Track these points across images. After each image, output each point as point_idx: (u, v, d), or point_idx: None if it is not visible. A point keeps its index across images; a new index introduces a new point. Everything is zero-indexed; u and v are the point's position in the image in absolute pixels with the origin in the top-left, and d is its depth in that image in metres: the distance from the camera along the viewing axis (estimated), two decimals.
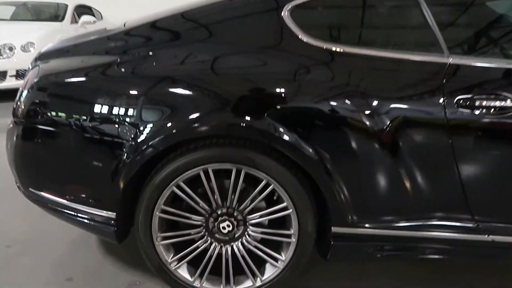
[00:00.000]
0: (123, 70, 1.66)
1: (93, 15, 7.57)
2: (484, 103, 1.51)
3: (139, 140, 1.56)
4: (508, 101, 1.50)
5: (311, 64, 1.60)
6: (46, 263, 2.05)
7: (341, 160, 1.57)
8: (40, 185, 1.78)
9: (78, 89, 1.69)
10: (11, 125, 1.80)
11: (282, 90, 1.56)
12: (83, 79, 1.68)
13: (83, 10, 7.44)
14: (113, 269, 2.02)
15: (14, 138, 1.76)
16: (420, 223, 1.66)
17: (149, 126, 1.57)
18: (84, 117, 1.63)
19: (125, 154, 1.58)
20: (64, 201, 1.74)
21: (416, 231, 1.67)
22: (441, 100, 1.52)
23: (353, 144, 1.55)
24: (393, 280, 1.96)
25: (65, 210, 1.76)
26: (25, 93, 1.75)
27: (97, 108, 1.62)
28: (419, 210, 1.65)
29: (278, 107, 1.55)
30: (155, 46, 1.71)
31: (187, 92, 1.59)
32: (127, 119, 1.59)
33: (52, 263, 2.06)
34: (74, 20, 6.90)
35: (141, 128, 1.57)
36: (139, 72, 1.64)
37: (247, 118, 1.54)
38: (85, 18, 6.95)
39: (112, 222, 1.69)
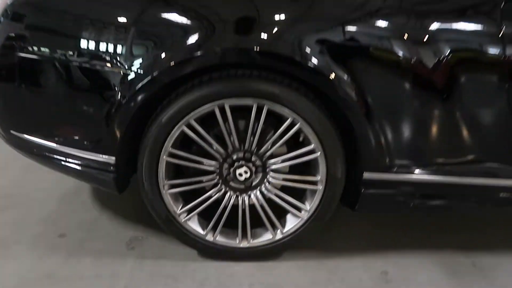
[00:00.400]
0: None
1: None
2: None
3: (141, 70, 1.31)
4: None
5: None
6: (34, 219, 1.83)
7: (384, 96, 1.35)
8: (24, 127, 1.52)
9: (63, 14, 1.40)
10: None
11: (325, 13, 1.31)
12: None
13: None
14: (112, 225, 1.81)
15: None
16: (463, 168, 1.48)
17: (152, 53, 1.31)
18: (75, 43, 1.35)
19: (125, 87, 1.32)
20: (53, 145, 1.49)
21: (458, 177, 1.49)
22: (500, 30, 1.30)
23: (400, 77, 1.34)
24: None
25: (54, 156, 1.51)
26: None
27: (86, 34, 1.35)
28: (465, 154, 1.46)
29: (307, 26, 1.30)
30: None
31: (191, 13, 1.32)
32: (125, 44, 1.32)
33: (41, 219, 1.83)
34: None
35: (142, 56, 1.31)
36: None
37: (265, 39, 1.28)
38: None
39: (111, 168, 1.45)
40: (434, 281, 1.56)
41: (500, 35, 1.31)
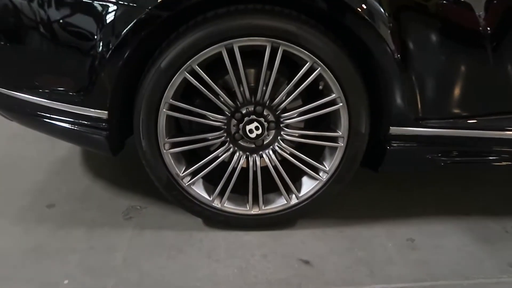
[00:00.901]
0: None
1: None
2: None
3: (134, 2, 1.11)
4: None
5: None
6: (20, 190, 1.64)
7: (420, 38, 1.18)
8: (4, 82, 1.32)
9: None
10: None
11: None
12: None
13: None
14: (105, 194, 1.63)
15: None
16: (500, 122, 1.31)
17: None
18: None
19: (117, 23, 1.13)
20: (36, 99, 1.29)
21: (494, 131, 1.32)
22: None
23: (439, 20, 1.17)
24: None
25: (39, 113, 1.32)
26: None
27: None
28: (503, 107, 1.30)
29: None
30: None
31: None
32: None
33: (27, 190, 1.64)
34: None
35: None
36: None
37: None
38: None
39: (104, 124, 1.26)
40: (465, 247, 1.41)
41: None
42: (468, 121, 1.30)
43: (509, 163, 1.41)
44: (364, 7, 1.12)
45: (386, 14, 1.14)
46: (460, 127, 1.31)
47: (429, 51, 1.20)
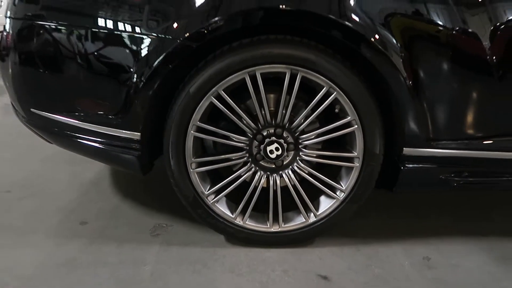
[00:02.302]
0: None
1: None
2: None
3: (167, 35, 1.24)
4: None
5: None
6: (54, 208, 1.75)
7: (431, 66, 1.27)
8: (45, 104, 1.46)
9: None
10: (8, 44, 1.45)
11: None
12: None
13: None
14: (133, 213, 1.72)
15: (13, 52, 1.43)
16: (509, 141, 1.37)
17: (178, 16, 1.24)
18: (95, 7, 1.30)
19: (151, 53, 1.25)
20: (74, 121, 1.42)
21: (505, 152, 1.38)
22: None
23: (448, 50, 1.26)
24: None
25: (75, 134, 1.44)
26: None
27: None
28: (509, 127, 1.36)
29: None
30: None
31: None
32: (148, 6, 1.26)
33: (61, 207, 1.75)
34: None
35: (167, 20, 1.25)
36: None
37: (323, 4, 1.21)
38: None
39: (135, 145, 1.38)
40: (483, 266, 1.44)
41: None
42: (478, 143, 1.36)
43: None
44: (378, 37, 1.22)
45: (398, 44, 1.23)
46: (470, 148, 1.37)
47: (438, 78, 1.28)
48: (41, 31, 1.34)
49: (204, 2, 1.22)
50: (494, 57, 1.26)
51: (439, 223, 1.69)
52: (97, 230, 1.60)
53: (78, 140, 1.44)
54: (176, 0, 1.25)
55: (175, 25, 1.23)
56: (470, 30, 1.25)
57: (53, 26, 1.33)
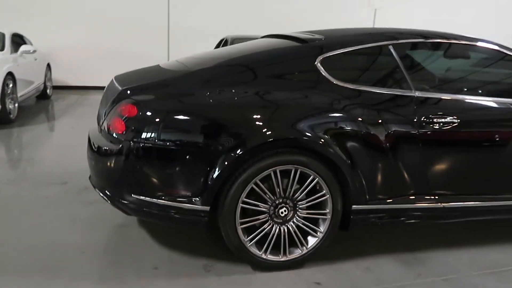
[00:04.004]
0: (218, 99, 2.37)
1: (26, 43, 7.47)
2: (435, 120, 2.53)
3: (238, 150, 2.24)
4: (448, 118, 2.54)
5: (339, 98, 2.47)
6: (126, 259, 2.53)
7: (360, 159, 2.44)
8: (143, 191, 2.32)
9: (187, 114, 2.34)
10: (113, 145, 2.33)
11: (326, 115, 2.40)
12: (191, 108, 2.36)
13: (16, 38, 7.21)
14: (186, 257, 2.58)
15: (120, 153, 2.30)
16: (405, 198, 2.59)
17: (249, 136, 2.29)
18: (195, 134, 2.30)
19: (225, 160, 2.24)
20: (164, 202, 2.30)
21: (403, 204, 2.60)
22: (414, 119, 2.51)
23: (367, 149, 2.45)
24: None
25: (163, 210, 2.32)
26: (132, 118, 2.32)
27: (205, 129, 2.31)
28: (404, 190, 2.59)
29: (322, 126, 2.37)
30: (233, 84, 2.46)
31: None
32: (230, 132, 2.29)
33: (136, 257, 2.54)
34: (13, 49, 6.76)
35: (233, 144, 2.27)
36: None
37: (308, 134, 2.33)
38: (24, 47, 6.92)
39: (204, 214, 2.31)
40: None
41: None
42: (388, 200, 2.55)
43: (412, 221, 2.67)
44: (331, 151, 2.35)
45: (338, 145, 2.38)
46: (385, 203, 2.55)
47: (362, 159, 2.43)
48: (149, 148, 2.27)
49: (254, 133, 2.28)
50: (388, 145, 2.47)
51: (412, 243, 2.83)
52: (168, 272, 2.43)
53: (163, 214, 2.33)
54: (240, 131, 2.28)
55: (237, 144, 2.25)
56: (372, 133, 2.46)
57: (160, 144, 2.26)
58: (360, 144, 2.44)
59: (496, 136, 2.67)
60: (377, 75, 2.78)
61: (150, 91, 2.44)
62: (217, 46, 9.25)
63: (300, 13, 10.32)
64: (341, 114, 2.44)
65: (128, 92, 2.44)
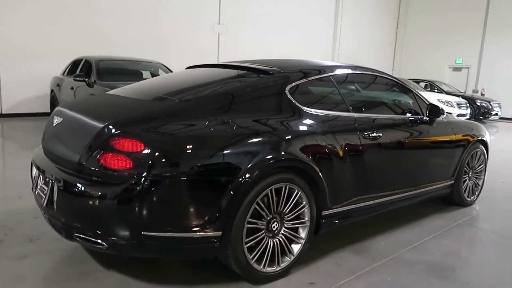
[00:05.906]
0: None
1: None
2: (369, 134, 3.22)
3: (242, 181, 2.43)
4: (375, 133, 3.26)
5: (309, 122, 2.90)
6: None
7: (325, 170, 2.91)
8: (156, 226, 2.27)
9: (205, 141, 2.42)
10: (115, 183, 2.23)
11: (304, 136, 2.80)
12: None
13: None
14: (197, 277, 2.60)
15: (130, 190, 2.23)
16: (353, 200, 3.19)
17: (252, 163, 2.49)
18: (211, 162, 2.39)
19: (234, 188, 2.40)
20: (177, 234, 2.32)
21: (351, 205, 3.19)
22: (357, 134, 3.14)
23: (329, 161, 2.95)
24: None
25: (176, 242, 2.33)
26: (139, 152, 2.27)
27: (215, 158, 2.40)
28: (353, 193, 3.18)
29: (302, 146, 2.76)
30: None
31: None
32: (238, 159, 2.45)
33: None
34: None
35: (247, 167, 2.46)
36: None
37: (297, 154, 2.70)
38: None
39: (215, 240, 2.41)
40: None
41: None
42: (344, 203, 3.10)
43: (361, 217, 3.28)
44: (311, 166, 2.78)
45: (314, 160, 2.82)
46: (343, 206, 3.09)
47: (327, 170, 2.93)
48: (165, 182, 2.26)
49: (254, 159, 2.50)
50: (345, 156, 3.03)
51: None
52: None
53: (174, 246, 2.34)
54: (245, 156, 2.47)
55: (244, 179, 2.44)
56: (333, 147, 2.98)
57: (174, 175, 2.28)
58: (325, 157, 2.92)
59: (404, 142, 3.54)
60: (329, 100, 3.31)
61: (146, 123, 2.40)
62: (72, 68, 8.77)
63: (156, 38, 12.26)
64: (313, 134, 2.88)
65: (121, 125, 2.36)
